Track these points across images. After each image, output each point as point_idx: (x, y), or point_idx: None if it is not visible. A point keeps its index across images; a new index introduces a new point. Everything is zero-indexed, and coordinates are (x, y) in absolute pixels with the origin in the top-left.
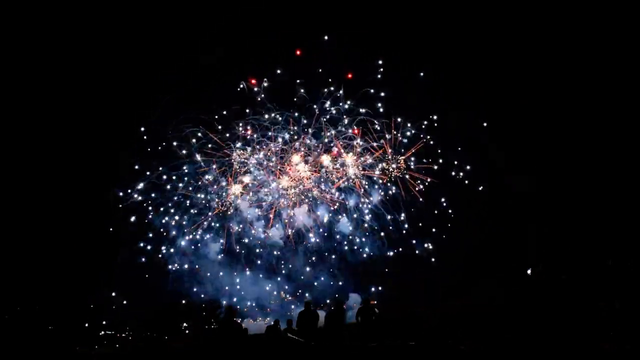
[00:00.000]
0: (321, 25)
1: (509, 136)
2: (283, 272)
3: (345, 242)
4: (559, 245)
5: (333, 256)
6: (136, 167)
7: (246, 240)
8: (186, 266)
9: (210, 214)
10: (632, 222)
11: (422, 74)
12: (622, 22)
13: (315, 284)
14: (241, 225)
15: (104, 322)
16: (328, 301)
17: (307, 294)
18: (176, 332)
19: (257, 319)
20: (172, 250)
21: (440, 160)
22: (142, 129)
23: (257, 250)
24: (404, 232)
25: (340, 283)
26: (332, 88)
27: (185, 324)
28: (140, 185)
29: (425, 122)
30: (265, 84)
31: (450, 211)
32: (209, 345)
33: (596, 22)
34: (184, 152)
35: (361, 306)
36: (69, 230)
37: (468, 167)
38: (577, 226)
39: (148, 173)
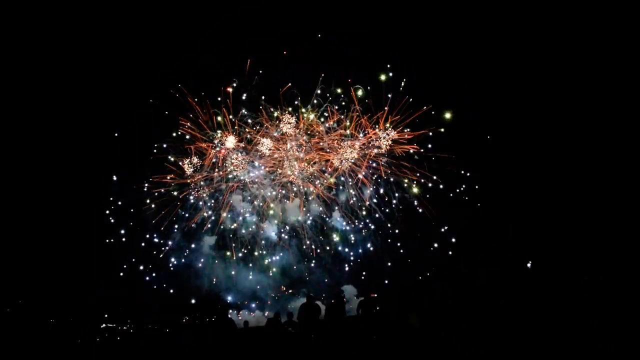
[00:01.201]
0: (320, 26)
1: (506, 135)
2: (278, 266)
3: (338, 237)
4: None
5: (327, 250)
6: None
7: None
8: (183, 261)
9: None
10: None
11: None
12: (620, 25)
13: (310, 277)
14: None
15: (105, 316)
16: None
17: (303, 289)
18: (178, 325)
19: (254, 312)
20: (168, 246)
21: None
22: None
23: (251, 244)
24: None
25: (335, 276)
26: (327, 94)
27: (186, 317)
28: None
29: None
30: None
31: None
32: (208, 339)
33: (593, 24)
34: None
35: (362, 299)
36: (68, 227)
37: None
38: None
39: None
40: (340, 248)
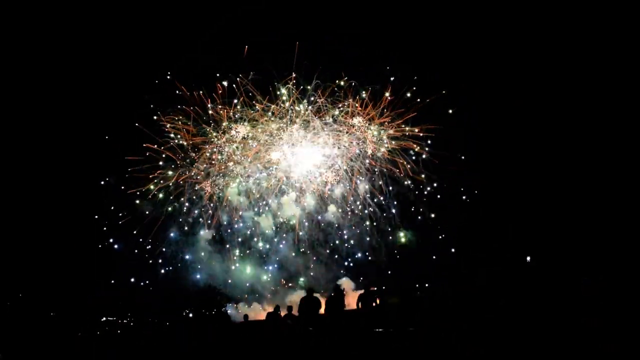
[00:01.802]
0: (319, 25)
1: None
2: (274, 260)
3: (334, 232)
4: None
5: (324, 244)
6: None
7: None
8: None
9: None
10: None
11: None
12: (615, 25)
13: (307, 271)
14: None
15: (105, 313)
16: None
17: (300, 279)
18: (177, 321)
19: (251, 305)
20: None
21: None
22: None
23: (248, 238)
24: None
25: (332, 270)
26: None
27: (186, 310)
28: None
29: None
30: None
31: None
32: (208, 336)
33: (588, 24)
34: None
35: (362, 293)
36: (68, 229)
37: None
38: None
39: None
40: (336, 242)
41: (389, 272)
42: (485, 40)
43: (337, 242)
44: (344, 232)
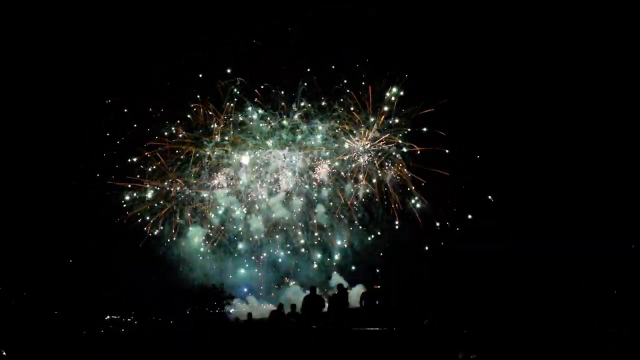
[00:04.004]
0: (318, 25)
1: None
2: (266, 259)
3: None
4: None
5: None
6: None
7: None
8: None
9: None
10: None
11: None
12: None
13: (298, 271)
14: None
15: (108, 310)
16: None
17: (292, 281)
18: (178, 318)
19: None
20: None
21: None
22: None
23: (239, 238)
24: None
25: (324, 269)
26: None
27: (190, 309)
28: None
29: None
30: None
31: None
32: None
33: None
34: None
35: (365, 291)
36: (70, 224)
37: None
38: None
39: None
40: (326, 242)
41: (383, 272)
42: (485, 41)
43: (326, 241)
44: (333, 231)
